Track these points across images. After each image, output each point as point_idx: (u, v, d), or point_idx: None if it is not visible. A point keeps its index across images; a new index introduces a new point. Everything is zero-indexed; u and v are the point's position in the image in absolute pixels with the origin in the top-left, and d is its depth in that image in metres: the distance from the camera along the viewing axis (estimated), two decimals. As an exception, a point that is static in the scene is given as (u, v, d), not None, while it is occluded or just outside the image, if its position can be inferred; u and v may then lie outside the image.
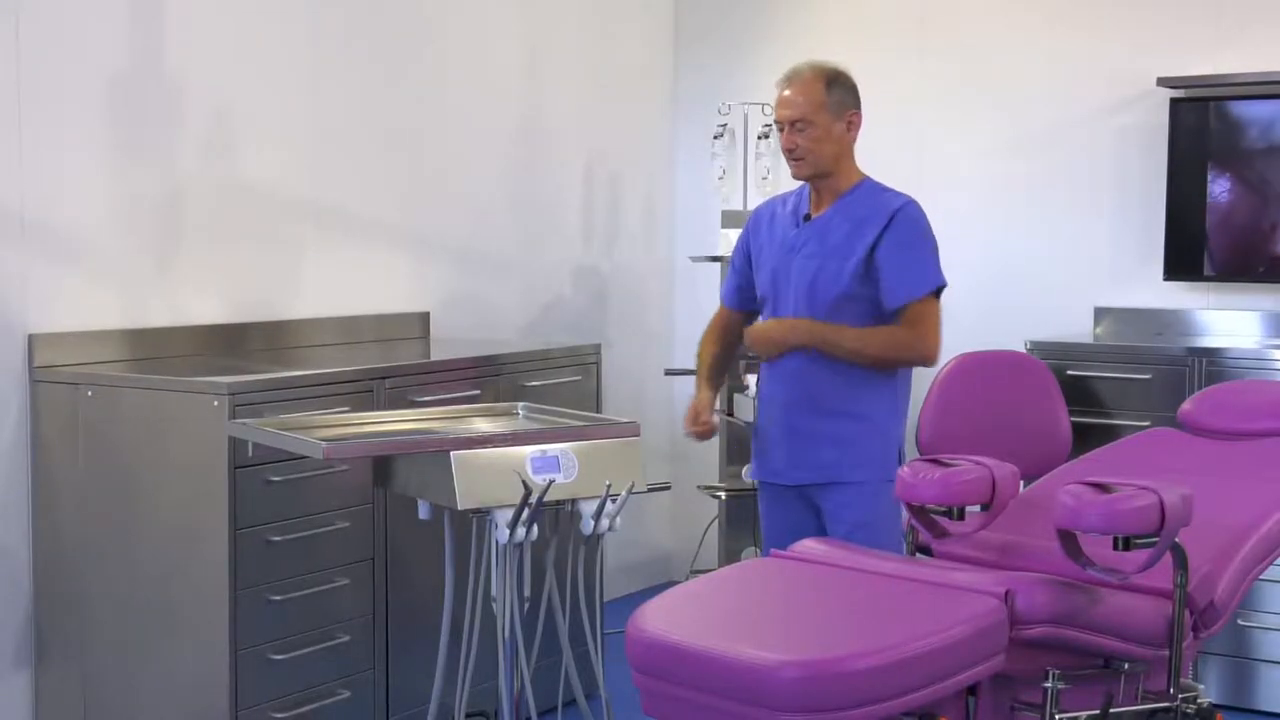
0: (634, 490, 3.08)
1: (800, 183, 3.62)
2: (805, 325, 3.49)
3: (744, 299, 3.74)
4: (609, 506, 3.08)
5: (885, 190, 3.54)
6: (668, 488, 3.77)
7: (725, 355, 3.81)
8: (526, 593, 3.18)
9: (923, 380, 4.56)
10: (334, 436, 3.23)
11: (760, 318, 3.70)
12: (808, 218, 3.56)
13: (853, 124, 3.52)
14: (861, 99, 3.57)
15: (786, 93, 3.51)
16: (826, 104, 3.47)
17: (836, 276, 3.46)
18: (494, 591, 3.13)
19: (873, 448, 3.50)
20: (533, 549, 3.14)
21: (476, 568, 3.22)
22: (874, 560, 2.93)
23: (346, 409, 3.67)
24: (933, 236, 3.50)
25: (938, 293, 3.48)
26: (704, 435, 3.70)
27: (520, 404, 3.60)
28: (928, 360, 3.49)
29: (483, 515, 3.11)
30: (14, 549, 3.70)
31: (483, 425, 3.42)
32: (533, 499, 2.98)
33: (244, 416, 3.39)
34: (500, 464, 3.04)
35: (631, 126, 5.77)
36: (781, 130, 3.52)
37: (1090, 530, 2.67)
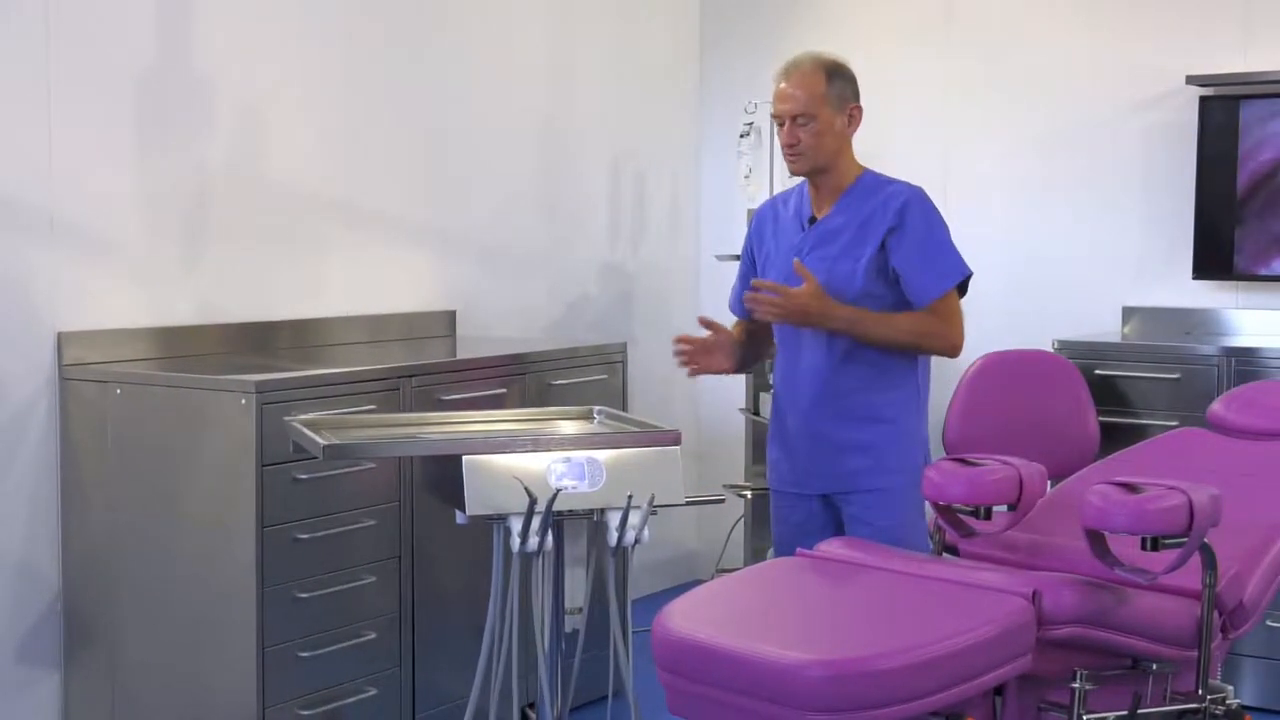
0: (656, 504, 2.96)
1: (797, 180, 3.54)
2: (844, 309, 3.33)
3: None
4: (633, 518, 2.97)
5: (889, 182, 3.44)
6: (721, 501, 3.66)
7: (753, 346, 3.66)
8: (568, 605, 3.12)
9: (950, 379, 4.57)
10: (414, 436, 3.23)
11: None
12: (813, 220, 3.46)
13: (854, 117, 3.42)
14: (863, 94, 3.46)
15: (784, 86, 3.40)
16: (827, 97, 3.38)
17: (850, 276, 3.36)
18: (534, 599, 3.05)
19: (898, 452, 3.41)
20: (572, 559, 3.09)
21: (505, 574, 3.17)
22: (900, 560, 2.92)
23: (373, 407, 3.68)
24: (943, 221, 3.40)
25: (964, 283, 3.40)
26: (691, 351, 3.50)
27: (597, 407, 3.46)
28: (955, 350, 3.41)
29: (500, 522, 3.01)
30: (43, 547, 3.72)
31: (567, 429, 3.33)
32: (539, 507, 2.89)
33: (270, 415, 3.41)
34: (515, 470, 2.94)
35: (657, 125, 5.76)
36: (781, 125, 3.41)
37: (1118, 530, 2.65)
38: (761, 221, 3.60)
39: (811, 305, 3.33)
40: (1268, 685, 4.42)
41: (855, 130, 3.44)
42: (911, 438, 3.44)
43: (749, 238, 3.62)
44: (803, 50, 3.48)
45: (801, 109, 3.37)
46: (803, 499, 3.48)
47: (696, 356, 3.54)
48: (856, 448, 3.40)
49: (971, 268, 3.42)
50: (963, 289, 3.42)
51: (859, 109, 3.44)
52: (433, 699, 3.94)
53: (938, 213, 3.41)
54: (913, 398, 3.45)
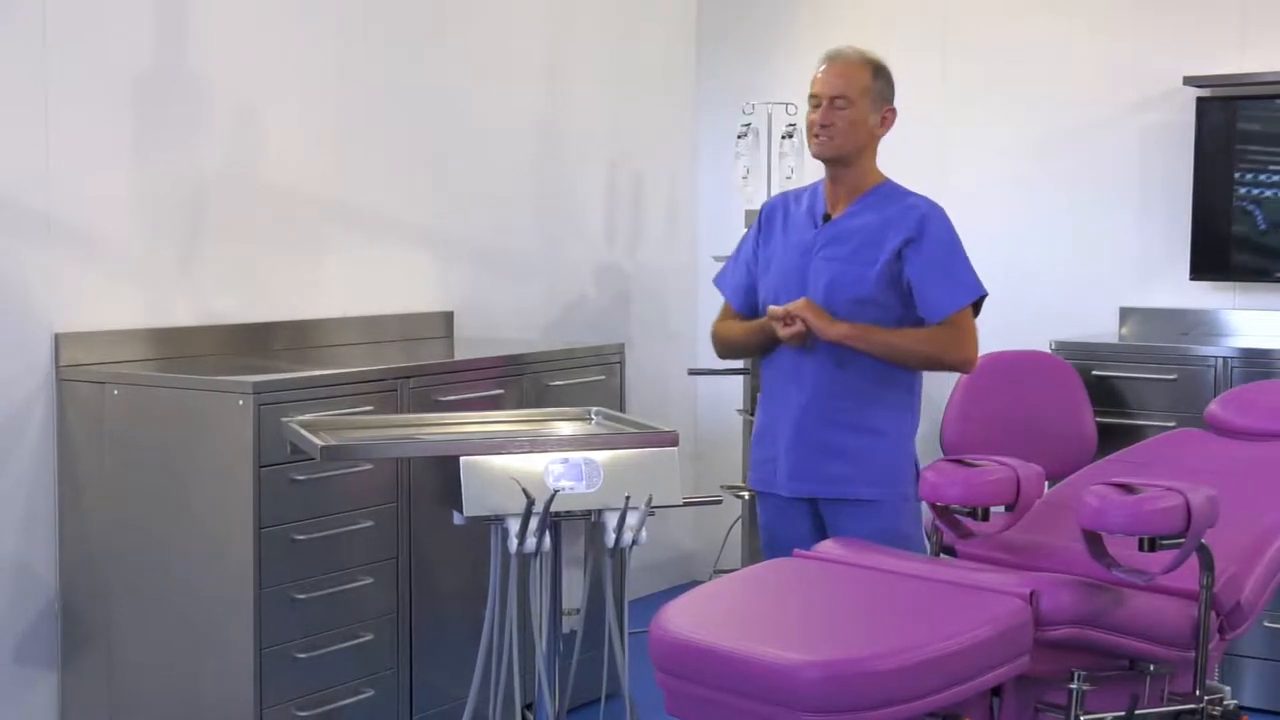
0: (653, 504, 2.96)
1: (814, 181, 3.51)
2: (846, 323, 3.30)
3: (751, 301, 3.53)
4: (631, 519, 2.97)
5: (909, 194, 3.42)
6: (718, 502, 3.64)
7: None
8: (565, 606, 3.12)
9: (947, 381, 4.56)
10: (412, 437, 3.22)
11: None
12: (827, 217, 3.41)
13: (887, 120, 3.40)
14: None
15: (826, 69, 3.38)
16: (870, 91, 3.36)
17: (859, 280, 3.32)
18: (531, 600, 3.05)
19: (886, 463, 3.35)
20: (570, 560, 3.09)
21: (504, 575, 3.17)
22: (897, 560, 2.92)
23: (371, 408, 3.68)
24: (960, 241, 3.38)
25: (978, 303, 3.37)
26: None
27: (594, 409, 3.45)
28: (968, 365, 3.38)
29: (498, 523, 3.00)
30: (40, 548, 3.72)
31: (564, 430, 3.33)
32: (536, 508, 2.89)
33: (268, 416, 3.41)
34: (513, 471, 2.94)
35: (654, 126, 5.76)
36: (816, 106, 3.36)
37: (1116, 531, 2.66)
38: (772, 214, 3.53)
39: (810, 313, 3.31)
40: (1268, 687, 4.42)
41: (885, 133, 3.42)
42: (900, 450, 3.38)
43: (754, 228, 3.55)
44: (847, 45, 3.44)
45: (842, 92, 3.34)
46: (788, 505, 3.43)
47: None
48: (840, 453, 3.35)
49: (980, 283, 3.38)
50: (976, 309, 3.38)
51: (893, 112, 3.41)
52: (430, 700, 3.94)
53: (955, 232, 3.39)
54: (908, 411, 3.41)
